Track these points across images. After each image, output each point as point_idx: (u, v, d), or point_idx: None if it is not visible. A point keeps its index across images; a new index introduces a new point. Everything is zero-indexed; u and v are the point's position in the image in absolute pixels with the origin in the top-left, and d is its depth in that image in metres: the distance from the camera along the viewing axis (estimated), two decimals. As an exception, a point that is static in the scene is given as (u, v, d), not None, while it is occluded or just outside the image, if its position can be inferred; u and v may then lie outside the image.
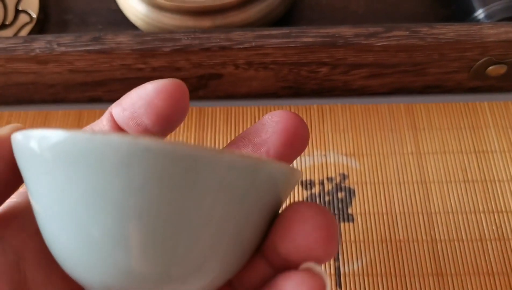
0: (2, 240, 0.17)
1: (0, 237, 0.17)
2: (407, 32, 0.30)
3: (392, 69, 0.32)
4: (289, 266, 0.16)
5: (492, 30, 0.30)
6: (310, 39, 0.30)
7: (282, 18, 0.37)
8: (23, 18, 0.37)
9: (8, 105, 0.36)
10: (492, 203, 0.31)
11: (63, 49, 0.31)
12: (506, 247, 0.30)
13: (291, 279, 0.15)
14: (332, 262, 0.30)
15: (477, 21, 0.33)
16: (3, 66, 0.32)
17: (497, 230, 0.30)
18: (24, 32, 0.36)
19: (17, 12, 0.37)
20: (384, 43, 0.30)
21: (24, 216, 0.18)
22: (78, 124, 0.35)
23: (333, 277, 0.29)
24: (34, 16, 0.36)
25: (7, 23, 0.36)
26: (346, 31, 0.30)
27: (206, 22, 0.35)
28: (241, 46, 0.30)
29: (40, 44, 0.31)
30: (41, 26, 0.37)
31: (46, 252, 0.17)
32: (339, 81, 0.33)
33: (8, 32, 0.36)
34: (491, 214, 0.31)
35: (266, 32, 0.31)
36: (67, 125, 0.35)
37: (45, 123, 0.35)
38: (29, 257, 0.17)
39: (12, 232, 0.17)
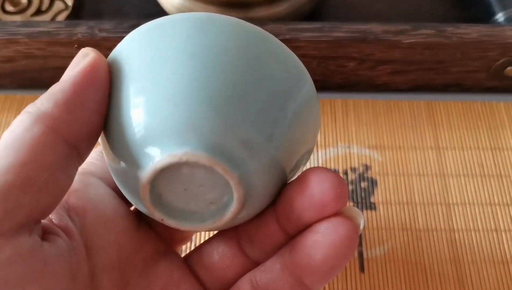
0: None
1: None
2: (434, 31, 0.32)
3: (416, 66, 0.34)
4: (301, 227, 0.18)
5: (513, 32, 0.32)
6: (342, 34, 0.32)
7: (308, 16, 0.39)
8: (58, 5, 0.38)
9: (43, 88, 0.36)
10: (507, 196, 0.33)
11: (104, 34, 0.32)
12: (519, 238, 0.31)
13: (327, 221, 0.17)
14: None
15: (497, 24, 0.35)
16: (44, 50, 0.33)
17: (511, 222, 0.32)
18: (60, 19, 0.37)
19: (52, -1, 0.38)
20: (412, 40, 0.31)
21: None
22: (111, 109, 0.36)
23: (356, 261, 0.31)
24: (70, 4, 0.38)
25: (43, 9, 0.37)
26: (376, 27, 0.32)
27: (234, 14, 0.36)
28: (275, 39, 0.32)
29: (82, 29, 0.32)
30: (76, 13, 0.38)
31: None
32: (364, 76, 0.35)
33: (45, 18, 0.37)
34: (506, 207, 0.32)
35: (299, 25, 0.32)
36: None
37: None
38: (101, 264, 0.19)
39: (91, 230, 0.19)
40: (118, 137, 0.17)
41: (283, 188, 0.19)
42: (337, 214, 0.17)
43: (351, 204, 0.33)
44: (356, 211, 0.17)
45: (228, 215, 0.17)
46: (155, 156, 0.16)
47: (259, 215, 0.19)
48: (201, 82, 0.16)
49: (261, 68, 0.17)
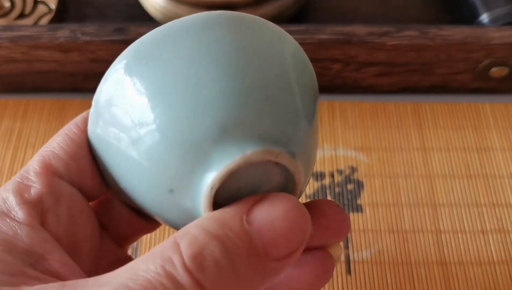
0: None
1: None
2: (418, 32, 0.32)
3: (401, 68, 0.34)
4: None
5: (497, 33, 0.32)
6: (326, 36, 0.32)
7: (293, 18, 0.39)
8: (41, 8, 0.37)
9: (26, 93, 0.36)
10: (493, 197, 0.33)
11: (87, 38, 0.32)
12: (506, 239, 0.31)
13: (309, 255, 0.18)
14: (342, 249, 0.31)
15: (481, 25, 0.35)
16: (26, 54, 0.33)
17: (498, 223, 0.32)
18: (43, 22, 0.37)
19: (36, 3, 0.38)
20: (396, 42, 0.32)
21: None
22: (95, 113, 0.36)
23: (343, 264, 0.31)
24: (53, 7, 0.37)
25: (26, 13, 0.37)
26: (360, 29, 0.32)
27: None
28: (259, 41, 0.32)
29: (65, 33, 0.32)
30: (60, 17, 0.38)
31: None
32: (350, 78, 0.35)
33: (27, 22, 0.37)
34: (492, 208, 0.32)
35: (283, 27, 0.32)
36: (83, 114, 0.36)
37: (62, 113, 0.36)
38: None
39: None
40: (171, 144, 0.16)
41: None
42: (323, 247, 0.19)
43: (338, 206, 0.33)
44: (340, 251, 0.19)
45: None
46: (232, 153, 0.16)
47: None
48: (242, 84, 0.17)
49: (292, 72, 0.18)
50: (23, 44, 0.32)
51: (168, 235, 0.31)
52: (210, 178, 0.16)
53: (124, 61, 0.18)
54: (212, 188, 0.16)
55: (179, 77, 0.16)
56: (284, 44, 0.18)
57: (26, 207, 0.17)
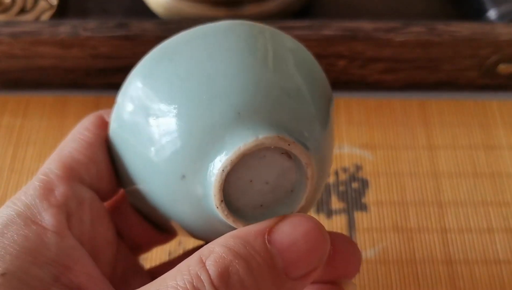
0: None
1: None
2: (425, 28, 0.31)
3: (408, 64, 0.33)
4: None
5: (505, 29, 0.31)
6: (331, 32, 0.31)
7: (298, 14, 0.38)
8: (42, 4, 0.37)
9: (27, 89, 0.36)
10: (500, 195, 0.32)
11: (88, 34, 0.31)
12: (512, 238, 0.31)
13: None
14: (346, 249, 0.31)
15: (489, 21, 0.35)
16: (27, 50, 0.32)
17: (504, 222, 0.32)
18: (45, 18, 0.36)
19: (37, -2, 0.37)
20: (403, 38, 0.31)
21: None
22: (97, 110, 0.35)
23: (347, 264, 0.30)
24: (54, 3, 0.37)
25: (27, 8, 0.37)
26: (366, 25, 0.31)
27: (223, 13, 0.36)
28: (264, 37, 0.31)
29: (66, 28, 0.31)
30: (61, 13, 0.37)
31: None
32: (355, 74, 0.34)
33: (28, 17, 0.36)
34: (499, 206, 0.32)
35: (288, 23, 0.32)
36: (85, 111, 0.35)
37: (63, 109, 0.35)
38: None
39: None
40: (184, 128, 0.17)
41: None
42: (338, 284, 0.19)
43: (342, 205, 0.32)
44: (353, 287, 0.19)
45: (299, 205, 0.18)
46: (245, 136, 0.16)
47: None
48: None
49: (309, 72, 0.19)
50: (24, 40, 0.31)
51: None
52: (221, 160, 0.16)
53: (149, 57, 0.18)
54: (223, 170, 0.16)
55: (200, 68, 0.17)
56: (300, 50, 0.20)
57: (54, 212, 0.16)
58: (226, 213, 0.17)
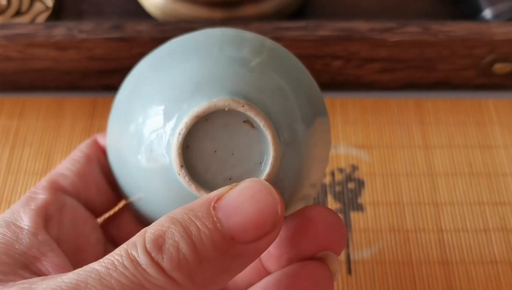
0: None
1: None
2: (420, 29, 0.31)
3: (403, 64, 0.33)
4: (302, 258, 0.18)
5: (501, 29, 0.31)
6: (326, 33, 0.31)
7: (294, 14, 0.38)
8: (38, 6, 0.37)
9: (23, 91, 0.36)
10: (496, 195, 0.32)
11: (84, 36, 0.31)
12: (509, 238, 0.31)
13: (307, 266, 0.17)
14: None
15: (484, 20, 0.35)
16: (22, 52, 0.32)
17: (501, 221, 0.31)
18: (40, 20, 0.36)
19: (33, 0, 0.37)
20: (398, 39, 0.31)
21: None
22: (93, 111, 0.35)
23: (344, 264, 0.30)
24: (50, 5, 0.37)
25: (22, 10, 0.37)
26: (361, 25, 0.31)
27: (219, 14, 0.35)
28: (259, 38, 0.31)
29: (61, 30, 0.31)
30: (57, 15, 0.37)
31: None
32: (351, 75, 0.34)
33: (24, 19, 0.36)
34: (495, 206, 0.32)
35: (283, 24, 0.32)
36: (81, 113, 0.35)
37: (59, 111, 0.35)
38: None
39: None
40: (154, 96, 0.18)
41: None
42: (317, 257, 0.18)
43: (338, 205, 0.32)
44: (334, 257, 0.18)
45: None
46: (200, 101, 0.17)
47: None
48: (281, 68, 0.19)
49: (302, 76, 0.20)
50: (19, 42, 0.31)
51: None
52: (178, 125, 0.17)
53: (126, 82, 0.21)
54: (179, 134, 0.17)
55: (175, 57, 0.19)
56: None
57: (31, 214, 0.18)
58: (187, 179, 0.17)
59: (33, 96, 0.36)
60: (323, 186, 0.33)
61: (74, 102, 0.36)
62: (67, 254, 0.18)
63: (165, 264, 0.14)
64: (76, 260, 0.19)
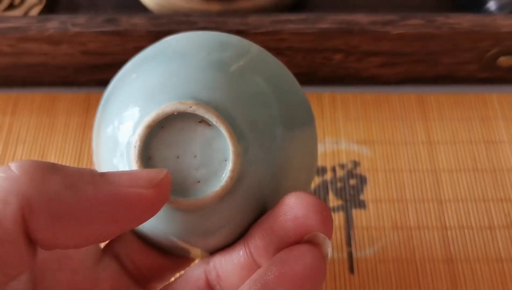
0: None
1: None
2: (423, 21, 0.30)
3: (405, 58, 0.33)
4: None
5: (506, 21, 0.31)
6: (327, 25, 0.30)
7: (292, 7, 0.37)
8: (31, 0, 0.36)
9: (16, 86, 0.35)
10: (501, 191, 0.32)
11: (77, 29, 0.30)
12: (514, 235, 0.30)
13: (294, 249, 0.16)
14: (344, 247, 0.30)
15: (488, 12, 0.34)
16: (14, 46, 0.31)
17: (506, 218, 0.31)
18: (33, 13, 0.35)
19: (25, -7, 0.36)
20: (400, 31, 0.30)
21: None
22: (88, 108, 0.35)
23: (345, 263, 0.30)
24: (43, -3, 0.36)
25: (15, 4, 0.36)
26: (362, 18, 0.30)
27: (216, 7, 0.35)
28: (257, 31, 0.30)
29: (54, 24, 0.30)
30: (51, 8, 0.36)
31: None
32: (352, 69, 0.34)
33: (17, 13, 0.35)
34: (500, 203, 0.31)
35: (282, 17, 0.31)
36: (76, 109, 0.34)
37: (53, 107, 0.34)
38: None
39: None
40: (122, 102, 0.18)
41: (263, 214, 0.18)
42: (304, 241, 0.17)
43: (340, 202, 0.31)
44: (322, 237, 0.17)
45: (215, 192, 0.17)
46: (158, 106, 0.17)
47: (231, 249, 0.18)
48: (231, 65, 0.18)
49: (283, 84, 0.19)
50: (11, 36, 0.30)
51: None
52: (133, 139, 0.17)
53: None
54: (135, 146, 0.17)
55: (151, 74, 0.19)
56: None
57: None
58: None
59: (26, 92, 0.35)
60: (324, 182, 0.32)
61: (68, 98, 0.35)
62: (51, 259, 0.18)
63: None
64: (60, 265, 0.18)
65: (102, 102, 0.20)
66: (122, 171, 0.16)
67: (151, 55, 0.19)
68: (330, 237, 0.17)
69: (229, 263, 0.18)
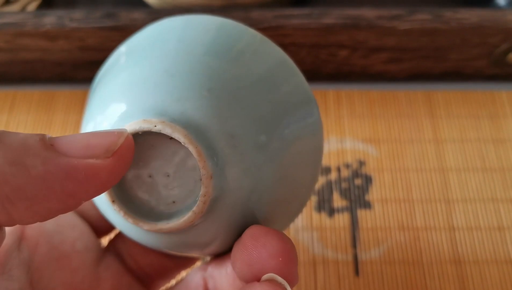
0: None
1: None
2: (431, 16, 0.30)
3: (412, 54, 0.32)
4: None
5: (516, 15, 0.30)
6: (332, 20, 0.29)
7: (296, 1, 0.36)
8: (28, -6, 0.35)
9: (13, 83, 0.34)
10: (511, 191, 0.31)
11: (75, 25, 0.29)
12: (524, 236, 0.30)
13: (251, 288, 0.15)
14: (349, 249, 0.29)
15: (497, 7, 0.33)
16: (11, 42, 0.30)
17: (515, 219, 0.30)
18: (31, 9, 0.34)
19: (22, -12, 0.35)
20: (407, 27, 0.29)
21: None
22: (85, 104, 0.34)
23: (351, 265, 0.29)
24: (41, -8, 0.35)
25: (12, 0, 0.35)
26: (369, 13, 0.30)
27: (218, 1, 0.34)
28: (260, 26, 0.29)
29: (51, 19, 0.29)
30: (48, 3, 0.36)
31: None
32: (357, 65, 0.33)
33: (14, 8, 0.34)
34: (509, 203, 0.30)
35: (286, 12, 0.30)
36: (74, 106, 0.34)
37: (51, 104, 0.34)
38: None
39: None
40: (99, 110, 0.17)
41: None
42: (263, 280, 0.15)
43: (345, 203, 0.31)
44: (279, 279, 0.15)
45: (187, 217, 0.15)
46: (126, 122, 0.15)
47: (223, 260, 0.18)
48: (210, 66, 0.16)
49: (273, 78, 0.17)
50: (7, 32, 0.30)
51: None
52: None
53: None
54: None
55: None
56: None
57: None
58: (122, 214, 0.16)
59: (23, 89, 0.34)
60: (329, 182, 0.31)
61: (66, 95, 0.34)
62: (49, 258, 0.17)
63: None
64: (59, 265, 0.17)
65: (88, 99, 0.19)
66: (75, 135, 0.14)
67: (126, 51, 0.18)
68: (291, 280, 0.15)
69: (223, 274, 0.17)
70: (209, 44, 0.17)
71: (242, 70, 0.17)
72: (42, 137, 0.13)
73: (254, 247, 0.15)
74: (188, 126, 0.15)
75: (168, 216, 0.16)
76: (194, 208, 0.15)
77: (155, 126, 0.15)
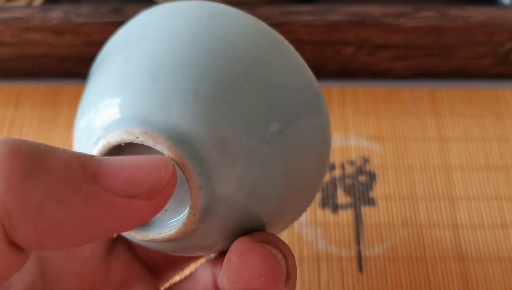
0: None
1: None
2: (437, 14, 0.30)
3: (418, 51, 0.32)
4: None
5: (522, 14, 0.30)
6: (338, 17, 0.29)
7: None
8: (34, -11, 0.35)
9: (19, 78, 0.34)
10: (515, 189, 0.31)
11: (81, 20, 0.29)
12: (528, 234, 0.30)
13: None
14: (353, 245, 0.29)
15: (502, 5, 0.33)
16: (17, 37, 0.31)
17: (519, 217, 0.30)
18: (37, 4, 0.35)
19: (28, -18, 0.35)
20: (413, 24, 0.29)
21: None
22: (92, 100, 0.34)
23: (354, 261, 0.29)
24: (47, -13, 0.35)
25: (18, -7, 0.35)
26: (375, 10, 0.30)
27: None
28: (266, 23, 0.29)
29: (58, 14, 0.30)
30: (54, -2, 0.36)
31: None
32: (362, 63, 0.33)
33: (20, 3, 0.34)
34: (513, 201, 0.31)
35: (292, 9, 0.30)
36: (79, 101, 0.34)
37: (56, 100, 0.34)
38: None
39: None
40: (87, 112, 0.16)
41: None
42: None
43: (349, 199, 0.31)
44: None
45: (177, 229, 0.15)
46: (109, 132, 0.15)
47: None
48: (196, 64, 0.15)
49: (268, 74, 0.16)
50: (14, 26, 0.30)
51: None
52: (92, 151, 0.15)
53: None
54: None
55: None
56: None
57: None
58: None
59: (29, 84, 0.34)
60: (333, 179, 0.31)
61: (72, 90, 0.34)
62: (60, 251, 0.17)
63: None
64: (70, 255, 0.17)
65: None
66: (116, 163, 0.13)
67: (111, 49, 0.17)
68: None
69: None
70: (196, 38, 0.15)
71: (233, 67, 0.15)
72: (84, 163, 0.12)
73: (238, 265, 0.15)
74: (173, 136, 0.14)
75: (160, 227, 0.15)
76: (185, 220, 0.15)
77: (137, 137, 0.14)
